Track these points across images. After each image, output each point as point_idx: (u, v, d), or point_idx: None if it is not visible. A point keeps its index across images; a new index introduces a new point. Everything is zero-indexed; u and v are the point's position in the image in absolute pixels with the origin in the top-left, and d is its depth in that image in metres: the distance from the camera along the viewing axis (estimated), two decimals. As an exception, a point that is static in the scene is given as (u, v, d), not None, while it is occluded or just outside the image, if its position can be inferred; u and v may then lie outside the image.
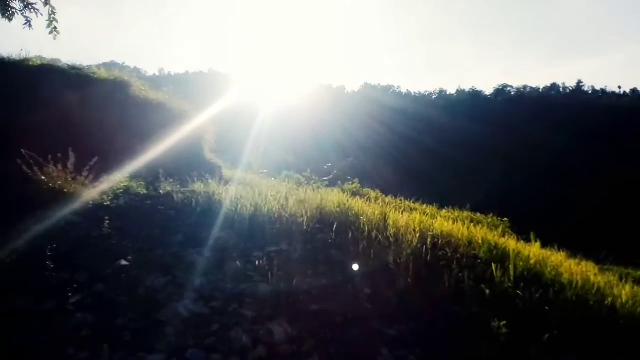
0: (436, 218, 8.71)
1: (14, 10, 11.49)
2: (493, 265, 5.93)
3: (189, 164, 10.38)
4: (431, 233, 6.81)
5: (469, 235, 7.20)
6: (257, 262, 5.20)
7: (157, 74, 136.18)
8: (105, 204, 6.39)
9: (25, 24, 11.56)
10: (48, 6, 11.40)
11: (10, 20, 11.67)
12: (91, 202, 6.29)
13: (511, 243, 7.59)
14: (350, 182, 17.40)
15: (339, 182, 16.76)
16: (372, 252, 5.81)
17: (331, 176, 17.03)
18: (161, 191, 7.30)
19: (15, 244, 5.01)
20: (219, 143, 13.91)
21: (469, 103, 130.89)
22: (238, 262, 5.20)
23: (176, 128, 10.90)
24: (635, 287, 6.89)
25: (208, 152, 12.44)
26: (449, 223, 8.05)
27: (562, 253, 8.01)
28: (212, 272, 5.05)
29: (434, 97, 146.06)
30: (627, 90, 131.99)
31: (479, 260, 6.38)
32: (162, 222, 6.22)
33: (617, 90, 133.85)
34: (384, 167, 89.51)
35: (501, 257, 6.58)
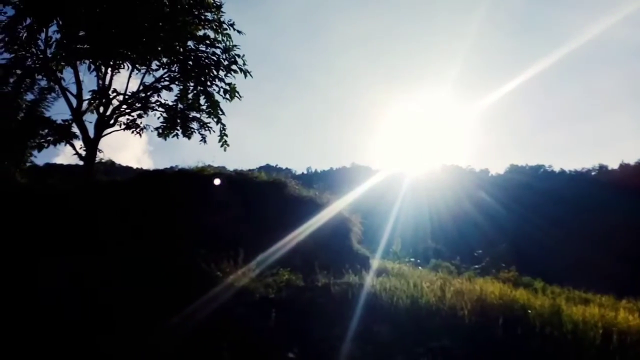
0: (617, 311, 7.62)
1: (193, 130, 13.75)
2: None
3: (339, 254, 10.67)
4: (616, 329, 5.95)
5: (665, 332, 6.13)
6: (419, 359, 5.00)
7: (305, 172, 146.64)
8: (271, 296, 6.81)
9: (201, 140, 13.72)
10: (219, 124, 13.45)
11: (189, 138, 13.93)
12: (258, 295, 6.75)
13: None
14: (506, 271, 16.19)
15: (492, 270, 15.71)
16: (547, 350, 5.22)
17: (483, 264, 16.10)
18: (318, 284, 7.57)
19: (191, 334, 5.51)
20: (364, 233, 14.17)
21: (637, 178, 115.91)
22: (400, 359, 5.05)
23: (325, 221, 11.46)
24: None
25: (355, 242, 12.70)
26: (634, 316, 6.98)
27: None
28: (375, 367, 4.97)
29: (593, 173, 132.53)
30: None
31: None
32: (321, 315, 6.38)
33: None
34: (538, 254, 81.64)
35: None
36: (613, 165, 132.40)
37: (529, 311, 6.23)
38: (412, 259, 16.57)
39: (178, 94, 13.35)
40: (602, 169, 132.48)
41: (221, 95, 13.08)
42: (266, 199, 11.12)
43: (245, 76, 12.82)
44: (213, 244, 7.82)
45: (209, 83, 12.90)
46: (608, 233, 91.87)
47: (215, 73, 12.75)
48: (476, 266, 14.77)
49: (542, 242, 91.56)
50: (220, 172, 11.83)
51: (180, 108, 13.49)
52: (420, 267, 14.60)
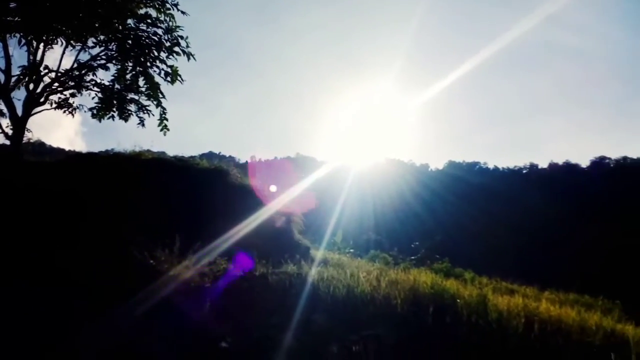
0: (540, 301, 8.11)
1: (130, 112, 13.18)
2: (612, 354, 5.33)
3: (279, 245, 10.68)
4: (537, 318, 6.33)
5: (580, 321, 6.60)
6: (353, 347, 5.10)
7: (249, 161, 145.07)
8: (206, 285, 6.70)
9: (139, 123, 13.16)
10: (159, 107, 12.97)
11: (126, 120, 13.32)
12: (194, 284, 6.63)
13: (629, 329, 6.83)
14: (440, 262, 16.82)
15: (427, 261, 16.27)
16: (474, 338, 5.48)
17: (419, 255, 16.64)
18: (256, 273, 7.54)
19: (121, 325, 5.35)
20: (305, 223, 14.25)
21: (563, 177, 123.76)
22: (334, 347, 5.14)
23: (267, 211, 11.41)
24: None
25: (296, 232, 12.75)
26: (555, 307, 7.46)
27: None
28: (308, 356, 5.01)
29: (524, 171, 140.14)
30: None
31: (595, 349, 5.77)
32: (257, 304, 6.36)
33: None
34: (471, 246, 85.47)
35: (620, 344, 5.91)
36: (543, 164, 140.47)
37: (458, 301, 6.49)
38: (353, 250, 16.85)
39: (115, 73, 12.69)
40: (533, 167, 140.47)
41: (162, 78, 12.56)
42: (207, 187, 10.90)
43: (189, 59, 12.39)
44: (149, 232, 7.57)
45: (149, 64, 12.35)
46: (537, 227, 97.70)
47: (156, 54, 12.23)
48: (412, 257, 15.24)
49: (476, 234, 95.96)
50: (160, 157, 11.45)
51: (117, 89, 12.84)
52: (359, 258, 14.87)
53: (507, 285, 12.76)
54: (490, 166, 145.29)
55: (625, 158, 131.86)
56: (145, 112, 13.05)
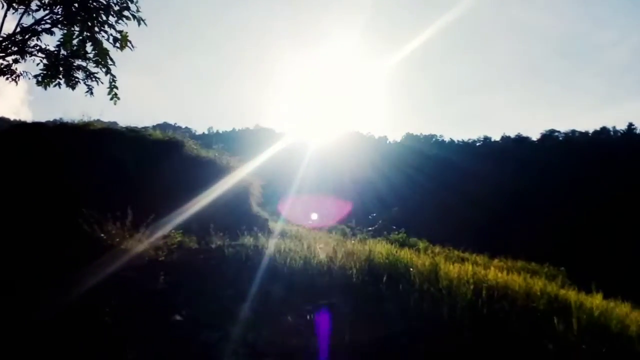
0: (489, 268, 8.44)
1: (77, 80, 12.52)
2: (555, 318, 5.63)
3: (237, 217, 10.60)
4: (486, 285, 6.59)
5: (526, 287, 6.92)
6: (308, 316, 5.17)
7: (206, 132, 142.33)
8: (160, 259, 6.59)
9: (87, 91, 12.53)
10: (109, 75, 12.37)
11: (73, 88, 12.66)
12: (147, 258, 6.50)
13: (571, 294, 7.23)
14: (396, 233, 17.20)
15: (385, 232, 16.60)
16: (424, 305, 5.66)
17: (376, 226, 16.93)
18: (212, 245, 7.47)
19: (72, 300, 5.20)
20: (264, 195, 14.20)
21: (515, 149, 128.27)
22: (289, 317, 5.19)
23: (224, 183, 11.25)
24: None
25: (255, 205, 12.69)
26: (503, 274, 7.78)
27: (626, 304, 7.52)
28: (264, 326, 5.04)
29: (478, 144, 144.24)
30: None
31: (539, 314, 6.08)
32: (213, 276, 6.32)
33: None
34: (428, 217, 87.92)
35: (562, 309, 6.25)
36: (496, 137, 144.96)
37: (411, 269, 6.67)
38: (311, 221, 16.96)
39: (61, 38, 11.95)
40: (487, 140, 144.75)
41: (111, 43, 11.92)
42: (161, 159, 10.60)
43: (139, 24, 11.80)
44: (99, 205, 7.32)
45: (96, 29, 11.66)
46: (490, 198, 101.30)
47: (104, 18, 11.56)
48: (370, 228, 15.49)
49: (433, 205, 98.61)
50: (110, 127, 11.00)
51: (63, 55, 12.11)
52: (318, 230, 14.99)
53: (459, 253, 13.22)
54: (447, 139, 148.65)
55: (573, 131, 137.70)
56: (93, 79, 12.39)
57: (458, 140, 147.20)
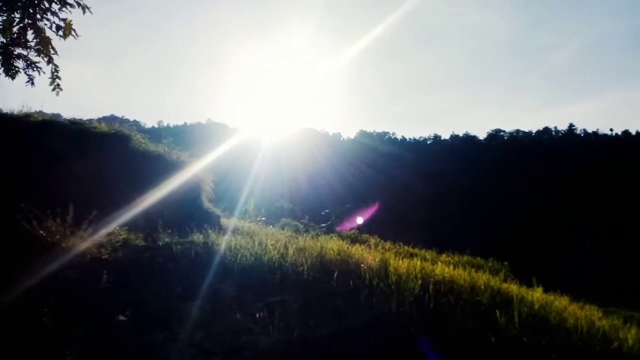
0: (437, 263, 8.65)
1: (18, 69, 11.83)
2: (497, 311, 5.85)
3: (187, 213, 10.36)
4: (433, 279, 6.75)
5: (471, 281, 7.14)
6: (257, 314, 5.12)
7: (156, 126, 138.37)
8: (104, 257, 6.33)
9: (28, 81, 11.85)
10: (51, 64, 11.75)
11: (13, 78, 11.94)
12: (89, 256, 6.23)
13: (513, 288, 7.52)
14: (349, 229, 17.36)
15: (337, 228, 16.73)
16: (374, 300, 5.74)
17: (329, 223, 17.04)
18: (160, 243, 7.26)
19: (8, 301, 4.92)
20: (216, 192, 13.96)
21: (463, 148, 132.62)
22: (238, 315, 5.12)
23: (174, 179, 10.96)
24: (641, 330, 6.79)
25: (206, 201, 12.44)
26: (449, 268, 7.99)
27: (565, 297, 7.92)
28: (211, 325, 4.95)
29: (429, 142, 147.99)
30: (619, 132, 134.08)
31: (483, 307, 6.29)
32: (160, 275, 6.15)
33: (609, 133, 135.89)
34: (381, 213, 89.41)
35: (505, 302, 6.49)
36: (445, 135, 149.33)
37: (362, 265, 6.75)
38: (264, 218, 16.84)
39: (0, 25, 11.30)
40: (437, 138, 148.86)
41: (54, 32, 11.36)
42: (106, 153, 10.18)
43: (84, 12, 11.29)
44: (40, 201, 6.95)
45: (38, 16, 11.08)
46: (439, 194, 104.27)
47: (46, 5, 10.99)
48: (323, 225, 15.57)
49: (385, 200, 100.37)
50: (51, 120, 10.46)
51: (2, 42, 11.44)
52: (271, 226, 14.90)
53: (409, 249, 13.50)
54: (399, 136, 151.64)
55: (518, 131, 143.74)
56: (34, 69, 11.77)
57: (410, 138, 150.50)
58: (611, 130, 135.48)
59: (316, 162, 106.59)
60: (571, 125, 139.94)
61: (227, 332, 4.82)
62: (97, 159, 9.94)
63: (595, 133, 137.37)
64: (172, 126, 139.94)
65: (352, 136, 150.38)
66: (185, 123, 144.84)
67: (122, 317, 4.90)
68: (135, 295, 5.53)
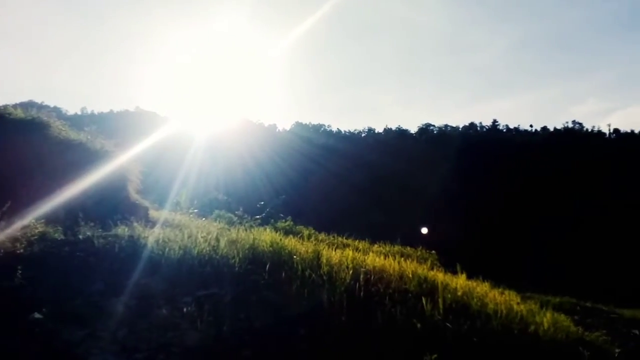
0: (368, 254, 8.85)
1: None
2: (423, 298, 6.06)
3: (112, 206, 9.88)
4: (364, 269, 6.89)
5: (400, 270, 7.36)
6: (185, 309, 4.97)
7: (79, 113, 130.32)
8: (18, 252, 5.88)
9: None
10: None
11: None
12: (2, 250, 5.77)
13: (439, 276, 7.83)
14: (283, 220, 17.31)
15: (272, 220, 16.61)
16: (305, 291, 5.76)
17: (263, 214, 16.86)
18: (80, 236, 6.84)
19: None
20: (145, 183, 13.41)
21: (396, 141, 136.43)
22: (164, 310, 4.95)
23: (98, 169, 10.39)
24: (556, 314, 7.33)
25: (133, 192, 11.91)
26: (380, 258, 8.19)
27: (486, 283, 8.36)
28: (136, 321, 4.75)
29: (363, 135, 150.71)
30: (538, 129, 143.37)
31: (410, 294, 6.50)
32: (80, 270, 5.80)
33: (529, 129, 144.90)
34: (317, 205, 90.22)
35: (431, 290, 6.75)
36: (379, 128, 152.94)
37: (295, 257, 6.75)
38: (197, 210, 16.39)
39: None
40: (371, 131, 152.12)
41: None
42: (22, 141, 9.44)
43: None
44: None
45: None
46: (373, 185, 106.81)
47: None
48: (257, 216, 15.37)
49: (321, 192, 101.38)
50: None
51: None
52: (203, 219, 14.55)
53: (343, 240, 13.69)
54: (334, 129, 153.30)
55: (446, 126, 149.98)
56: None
57: (345, 131, 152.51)
58: (531, 126, 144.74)
59: (253, 153, 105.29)
60: (495, 121, 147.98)
61: (153, 328, 4.64)
62: (12, 147, 9.21)
63: (516, 129, 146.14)
64: (96, 113, 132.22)
65: (287, 128, 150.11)
66: (111, 110, 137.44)
67: (38, 315, 4.58)
68: (53, 292, 5.18)
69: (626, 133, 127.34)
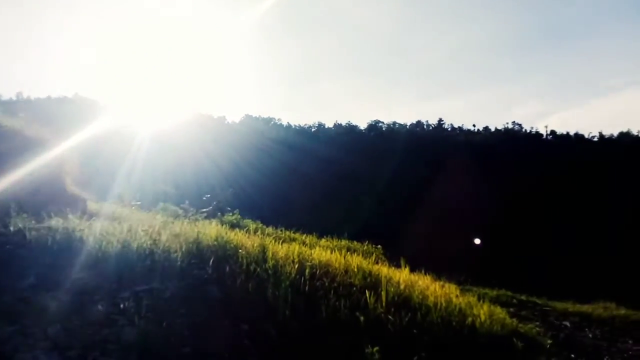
0: (315, 248, 8.88)
1: None
2: (367, 292, 6.16)
3: (48, 197, 9.41)
4: (309, 263, 6.91)
5: (345, 264, 7.44)
6: (122, 304, 4.78)
7: (13, 98, 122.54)
8: (-63, 245, 5.47)
9: None
10: None
11: None
12: None
13: (383, 269, 7.99)
14: (231, 214, 17.09)
15: (219, 213, 16.35)
16: (250, 285, 5.70)
17: (210, 208, 16.57)
18: (12, 228, 6.44)
19: None
20: (85, 175, 12.85)
21: (345, 136, 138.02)
22: (100, 306, 4.74)
23: (34, 158, 9.85)
24: (492, 307, 7.66)
25: (70, 184, 11.38)
26: (327, 252, 8.24)
27: (428, 277, 8.61)
28: (69, 318, 4.52)
29: (313, 129, 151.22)
30: (480, 128, 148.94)
31: (355, 288, 6.59)
32: (10, 264, 5.46)
33: (472, 128, 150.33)
34: (267, 198, 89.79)
35: (374, 283, 6.87)
36: (329, 124, 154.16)
37: (240, 251, 6.66)
38: (140, 203, 15.88)
39: None
40: (321, 126, 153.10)
41: None
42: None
43: None
44: None
45: None
46: (324, 180, 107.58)
47: None
48: (204, 210, 15.08)
49: (270, 185, 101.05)
50: None
51: None
52: (147, 211, 14.12)
53: (290, 234, 13.67)
54: (284, 123, 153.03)
55: (394, 123, 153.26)
56: None
57: (295, 125, 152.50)
58: (474, 126, 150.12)
59: (204, 145, 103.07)
60: (440, 120, 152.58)
61: (87, 324, 4.44)
62: None
63: (460, 128, 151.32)
64: (33, 99, 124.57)
65: (237, 120, 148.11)
66: (49, 97, 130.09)
67: (-43, 314, 4.27)
68: (-23, 288, 4.85)
69: (562, 135, 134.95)
